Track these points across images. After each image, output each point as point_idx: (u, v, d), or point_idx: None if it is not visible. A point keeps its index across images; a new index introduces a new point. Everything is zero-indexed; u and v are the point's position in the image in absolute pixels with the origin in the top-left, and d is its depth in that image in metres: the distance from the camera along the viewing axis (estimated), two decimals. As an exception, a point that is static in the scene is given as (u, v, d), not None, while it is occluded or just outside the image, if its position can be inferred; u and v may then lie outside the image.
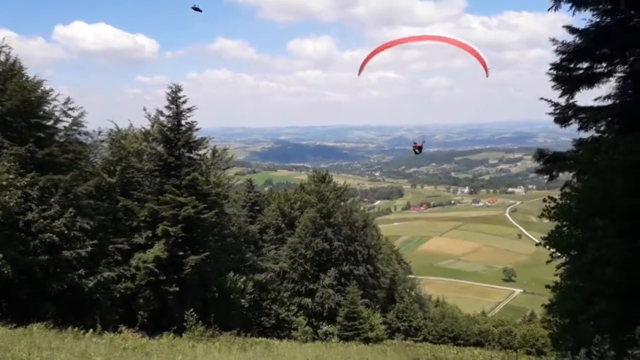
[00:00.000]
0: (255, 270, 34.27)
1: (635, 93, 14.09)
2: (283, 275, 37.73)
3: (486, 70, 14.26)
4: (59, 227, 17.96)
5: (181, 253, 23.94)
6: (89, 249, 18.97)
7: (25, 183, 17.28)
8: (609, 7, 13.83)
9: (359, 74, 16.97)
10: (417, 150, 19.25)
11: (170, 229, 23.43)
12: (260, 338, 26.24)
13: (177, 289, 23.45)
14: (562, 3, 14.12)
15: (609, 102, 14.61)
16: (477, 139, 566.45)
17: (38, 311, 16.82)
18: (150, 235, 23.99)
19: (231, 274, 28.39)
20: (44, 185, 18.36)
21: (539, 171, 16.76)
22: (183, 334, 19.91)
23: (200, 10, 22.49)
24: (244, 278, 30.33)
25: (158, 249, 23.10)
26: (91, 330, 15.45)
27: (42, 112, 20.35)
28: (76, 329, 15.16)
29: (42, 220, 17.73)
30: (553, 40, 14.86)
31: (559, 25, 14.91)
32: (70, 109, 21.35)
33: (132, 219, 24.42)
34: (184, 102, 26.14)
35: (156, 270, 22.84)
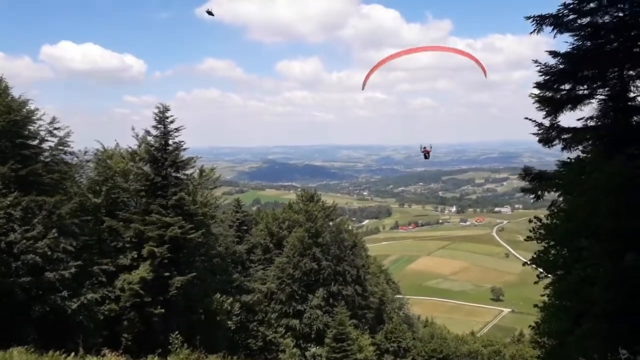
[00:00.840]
0: (242, 291, 33.86)
1: (616, 115, 14.40)
2: (270, 296, 37.32)
3: (484, 71, 14.84)
4: (42, 248, 17.64)
5: (167, 274, 23.58)
6: (72, 270, 18.63)
7: (8, 203, 17.01)
8: (589, 31, 14.22)
9: (363, 87, 17.47)
10: (426, 155, 19.47)
11: (156, 249, 23.12)
12: (247, 361, 25.79)
13: (162, 310, 23.02)
14: (544, 27, 14.49)
15: (592, 123, 14.91)
16: (463, 158, 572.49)
17: (19, 334, 16.38)
18: (136, 256, 23.65)
19: (218, 295, 28.02)
20: (27, 205, 18.08)
21: (525, 190, 16.93)
22: (168, 357, 19.48)
23: (213, 15, 23.08)
24: (231, 299, 29.95)
25: (143, 270, 22.75)
26: (73, 353, 15.04)
27: (27, 132, 20.18)
28: (58, 352, 14.77)
29: (24, 241, 17.42)
30: (536, 61, 15.20)
31: (542, 47, 15.52)
32: (55, 128, 21.24)
33: (118, 240, 24.08)
34: (172, 121, 26.08)
35: (141, 291, 22.44)
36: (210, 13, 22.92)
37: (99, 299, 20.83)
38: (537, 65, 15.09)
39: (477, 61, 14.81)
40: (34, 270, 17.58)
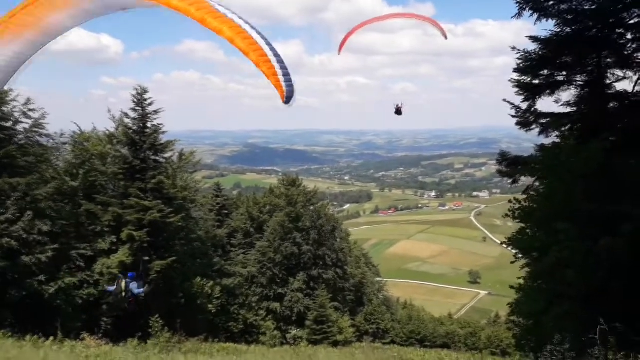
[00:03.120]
0: (223, 275, 33.82)
1: (593, 101, 14.66)
2: (251, 280, 37.42)
3: (444, 33, 15.65)
4: (16, 232, 17.31)
5: (146, 258, 23.40)
6: (49, 254, 18.35)
7: (-20, 186, 16.62)
8: (569, 17, 14.37)
9: (339, 52, 17.36)
10: (398, 111, 19.31)
11: (135, 233, 22.89)
12: (227, 344, 25.88)
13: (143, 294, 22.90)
14: (525, 12, 14.60)
15: (569, 109, 15.16)
16: (443, 144, 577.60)
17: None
18: (115, 240, 23.39)
19: (198, 279, 27.94)
20: (0, 187, 17.68)
21: (501, 173, 17.20)
22: (148, 341, 19.46)
23: None
24: (211, 283, 29.90)
25: (122, 254, 22.53)
26: (51, 338, 14.95)
27: (0, 113, 19.62)
28: (35, 337, 14.65)
29: (-1, 224, 17.08)
30: (514, 48, 15.34)
31: (524, 33, 15.42)
32: (30, 110, 20.67)
33: (96, 224, 23.73)
34: (150, 104, 25.65)
35: (120, 275, 22.25)
36: None
37: (77, 283, 20.58)
38: (517, 52, 15.23)
39: (435, 23, 14.93)
40: (9, 254, 17.26)
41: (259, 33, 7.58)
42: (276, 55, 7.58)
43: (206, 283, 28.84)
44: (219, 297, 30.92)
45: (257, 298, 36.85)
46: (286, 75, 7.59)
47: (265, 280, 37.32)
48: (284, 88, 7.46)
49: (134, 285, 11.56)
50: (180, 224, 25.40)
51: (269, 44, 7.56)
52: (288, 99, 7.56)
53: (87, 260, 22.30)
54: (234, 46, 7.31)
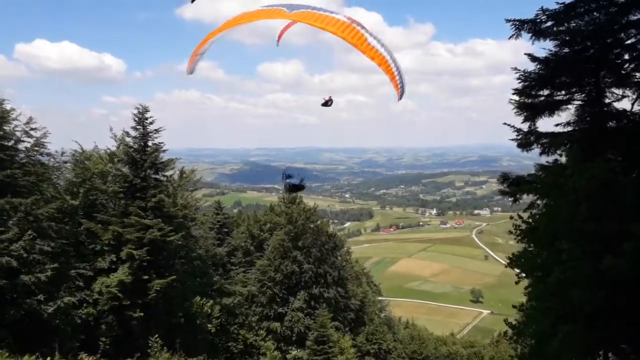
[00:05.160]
0: (222, 294, 33.60)
1: (592, 120, 14.72)
2: (251, 299, 37.09)
3: (398, 93, 12.76)
4: (17, 251, 17.25)
5: (146, 277, 23.28)
6: (48, 273, 18.26)
7: (-19, 205, 16.60)
8: (566, 37, 14.52)
9: (278, 43, 16.74)
10: (327, 103, 19.19)
11: (134, 252, 22.81)
12: (227, 364, 25.61)
13: (142, 314, 22.71)
14: (522, 32, 14.74)
15: (569, 128, 15.21)
16: (443, 162, 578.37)
17: (-8, 339, 16.00)
18: (114, 259, 23.28)
19: (198, 298, 27.78)
20: (1, 207, 17.66)
21: (503, 192, 17.18)
22: (147, 362, 19.25)
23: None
24: (211, 302, 29.72)
25: (122, 273, 22.42)
26: (49, 358, 14.78)
27: (2, 132, 19.71)
28: (33, 357, 14.48)
29: (-1, 243, 17.01)
30: (515, 69, 15.48)
31: (523, 52, 15.53)
32: (32, 129, 20.81)
33: (96, 242, 23.68)
34: (151, 123, 25.82)
35: (120, 295, 22.11)
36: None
37: (76, 302, 20.45)
38: (516, 72, 15.36)
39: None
40: (8, 273, 17.17)
41: (382, 45, 10.86)
42: (395, 62, 10.94)
43: (206, 302, 28.65)
44: (218, 316, 30.69)
45: (257, 317, 36.49)
46: (401, 81, 11.03)
47: (266, 299, 37.00)
48: (399, 90, 11.07)
49: (293, 180, 17.52)
50: (180, 242, 25.34)
51: (391, 54, 10.86)
52: (401, 96, 11.31)
53: (86, 279, 22.18)
54: (366, 56, 10.68)
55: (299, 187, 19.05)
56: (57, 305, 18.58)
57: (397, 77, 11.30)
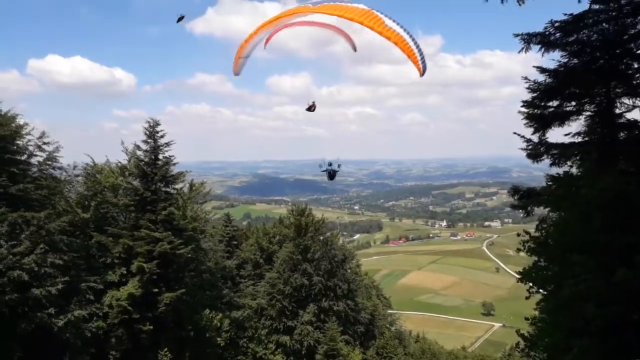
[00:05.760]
0: (232, 307, 33.49)
1: (603, 131, 14.61)
2: (261, 312, 36.90)
3: (419, 69, 12.75)
4: (28, 264, 17.37)
5: (156, 290, 23.31)
6: (59, 286, 18.36)
7: (-6, 218, 16.78)
8: (576, 48, 14.49)
9: (265, 47, 17.29)
10: (311, 108, 19.25)
11: (145, 265, 22.88)
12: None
13: (151, 327, 22.71)
14: (532, 45, 14.73)
15: (579, 139, 15.11)
16: (453, 173, 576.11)
17: (4, 352, 16.07)
18: (125, 272, 23.36)
19: (207, 311, 27.70)
20: (14, 221, 17.83)
21: (514, 206, 17.06)
22: (156, 376, 19.20)
23: (183, 17, 23.08)
24: (220, 315, 29.61)
25: (132, 286, 22.47)
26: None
27: (15, 147, 19.99)
28: (43, 371, 14.48)
29: (11, 256, 17.14)
30: (525, 78, 15.43)
31: (531, 64, 15.52)
32: (45, 143, 21.09)
33: (106, 255, 23.80)
34: (162, 136, 26.06)
35: (130, 308, 22.14)
36: (180, 18, 23.05)
37: (86, 315, 20.49)
38: (527, 82, 15.32)
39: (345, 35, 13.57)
40: (20, 287, 17.28)
41: (400, 25, 11.51)
42: (414, 42, 11.54)
43: (215, 315, 28.56)
44: (227, 329, 30.56)
45: (266, 331, 36.25)
46: (422, 57, 11.58)
47: (275, 312, 36.79)
48: (420, 65, 11.61)
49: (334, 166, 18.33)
50: (189, 255, 25.36)
51: (409, 33, 11.53)
52: (424, 71, 11.85)
53: (96, 292, 22.26)
54: (383, 36, 11.16)
55: (335, 172, 20.18)
56: (68, 318, 18.64)
57: (417, 54, 11.67)
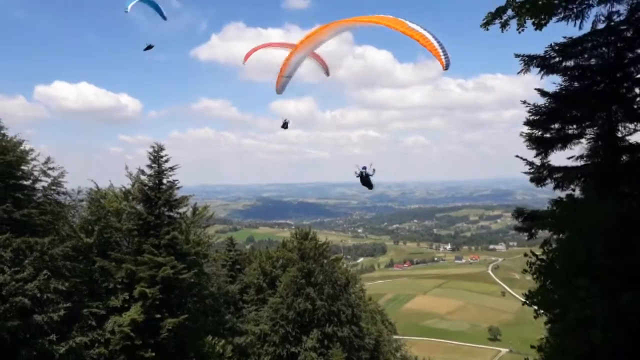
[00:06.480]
0: (235, 332, 33.11)
1: (605, 154, 14.64)
2: (264, 338, 36.47)
3: (442, 63, 12.95)
4: (31, 290, 17.31)
5: (158, 316, 23.11)
6: (61, 312, 18.25)
7: (-2, 244, 16.80)
8: (576, 72, 14.65)
9: (244, 62, 18.04)
10: (284, 125, 19.57)
11: (147, 290, 22.74)
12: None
13: (153, 354, 22.42)
14: (531, 67, 14.90)
15: (582, 162, 15.14)
16: (456, 196, 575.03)
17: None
18: (127, 297, 23.22)
19: (210, 337, 27.37)
20: (18, 247, 17.85)
21: (518, 229, 17.01)
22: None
23: (152, 46, 23.61)
24: (223, 342, 29.22)
25: (134, 312, 22.29)
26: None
27: (20, 173, 20.15)
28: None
29: (14, 282, 17.10)
30: (524, 102, 15.58)
31: (532, 87, 15.66)
32: (50, 168, 21.23)
33: (109, 280, 23.69)
34: (166, 161, 26.20)
35: (132, 334, 21.93)
36: (149, 47, 23.62)
37: (88, 342, 20.30)
38: (527, 106, 15.46)
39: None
40: (22, 313, 17.19)
41: (423, 27, 12.94)
42: (436, 39, 12.66)
43: (218, 341, 28.19)
44: (230, 356, 30.09)
45: (269, 357, 35.75)
46: (444, 52, 12.51)
47: (278, 338, 36.34)
48: (443, 59, 12.44)
49: (368, 170, 17.40)
50: (192, 280, 25.22)
51: (431, 33, 12.79)
52: (447, 65, 12.54)
53: (98, 318, 22.09)
54: (412, 38, 12.78)
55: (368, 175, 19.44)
56: (69, 345, 18.48)
57: (439, 49, 12.60)
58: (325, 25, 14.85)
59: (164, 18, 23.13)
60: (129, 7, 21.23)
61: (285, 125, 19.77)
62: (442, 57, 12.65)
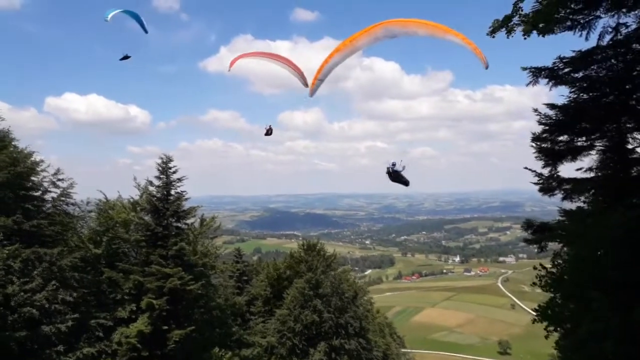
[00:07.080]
0: (241, 345, 32.91)
1: (615, 166, 14.49)
2: (271, 351, 36.22)
3: (484, 60, 13.12)
4: (39, 301, 17.36)
5: (165, 327, 23.07)
6: (69, 323, 18.27)
7: (6, 254, 16.89)
8: (585, 84, 14.57)
9: (229, 69, 18.06)
10: (268, 132, 19.43)
11: (154, 301, 22.73)
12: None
13: (160, 366, 22.37)
14: (540, 79, 14.84)
15: (592, 174, 14.99)
16: (465, 207, 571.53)
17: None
18: (134, 308, 23.21)
19: (216, 349, 27.24)
20: (27, 257, 17.95)
21: (527, 241, 16.82)
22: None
23: (129, 56, 23.86)
24: (230, 354, 29.06)
25: (141, 323, 22.27)
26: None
27: (30, 184, 20.32)
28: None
29: (22, 293, 17.16)
30: (536, 110, 15.48)
31: (541, 98, 15.70)
32: (59, 179, 21.39)
33: (116, 291, 23.72)
34: (175, 172, 26.32)
35: (139, 345, 21.88)
36: (125, 57, 23.88)
37: (95, 353, 20.29)
38: (537, 115, 15.36)
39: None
40: (30, 324, 17.22)
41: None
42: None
43: (225, 353, 28.04)
44: (237, 368, 29.93)
45: (276, 370, 35.51)
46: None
47: (285, 351, 36.08)
48: (484, 58, 12.46)
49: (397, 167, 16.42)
50: (200, 291, 25.18)
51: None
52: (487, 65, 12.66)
53: (105, 329, 22.09)
54: (456, 37, 12.69)
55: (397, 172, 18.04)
56: (77, 356, 18.50)
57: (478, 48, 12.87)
58: (364, 30, 14.84)
59: (146, 31, 23.23)
60: (109, 16, 21.13)
61: (269, 132, 19.80)
62: (483, 54, 12.97)
